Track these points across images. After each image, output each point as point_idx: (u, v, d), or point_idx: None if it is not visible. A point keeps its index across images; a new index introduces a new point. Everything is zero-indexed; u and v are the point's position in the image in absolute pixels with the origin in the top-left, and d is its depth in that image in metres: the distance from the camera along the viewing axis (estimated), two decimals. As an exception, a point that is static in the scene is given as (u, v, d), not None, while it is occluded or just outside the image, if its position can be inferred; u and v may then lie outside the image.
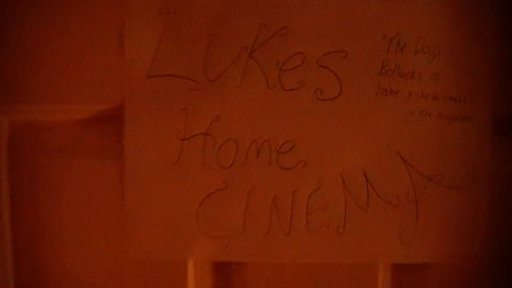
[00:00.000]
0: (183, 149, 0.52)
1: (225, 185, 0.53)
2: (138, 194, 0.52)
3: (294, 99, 0.52)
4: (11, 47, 0.53)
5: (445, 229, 0.54)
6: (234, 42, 0.51)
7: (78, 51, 0.53)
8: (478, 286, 0.57)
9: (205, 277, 0.54)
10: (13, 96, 0.54)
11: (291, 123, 0.52)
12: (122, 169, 0.52)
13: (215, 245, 0.53)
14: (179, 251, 0.53)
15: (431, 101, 0.53)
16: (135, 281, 0.54)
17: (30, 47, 0.53)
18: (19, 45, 0.53)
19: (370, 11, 0.52)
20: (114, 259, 0.54)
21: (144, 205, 0.52)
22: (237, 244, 0.53)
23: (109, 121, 0.53)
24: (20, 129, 0.54)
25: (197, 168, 0.53)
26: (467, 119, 0.54)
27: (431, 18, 0.53)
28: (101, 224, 0.54)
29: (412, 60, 0.52)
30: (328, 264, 0.54)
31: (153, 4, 0.51)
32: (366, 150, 0.53)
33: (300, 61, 0.52)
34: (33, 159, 0.54)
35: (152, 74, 0.51)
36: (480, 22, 0.53)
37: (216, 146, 0.52)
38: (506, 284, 0.56)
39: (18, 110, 0.54)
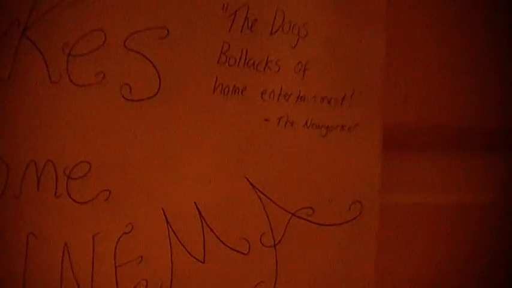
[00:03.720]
0: None
1: (-7, 225, 0.36)
2: None
3: (89, 100, 0.36)
4: None
5: (316, 281, 0.40)
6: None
7: None
8: None
9: None
10: None
11: (84, 135, 0.36)
12: None
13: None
14: None
15: (296, 103, 0.38)
16: None
17: None
18: None
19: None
20: None
21: None
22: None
23: None
24: None
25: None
26: (346, 129, 0.40)
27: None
28: None
29: (267, 44, 0.38)
30: None
31: None
32: (199, 175, 0.37)
33: (99, 42, 0.36)
34: None
35: None
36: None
37: (-21, 169, 0.36)
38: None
39: None
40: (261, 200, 0.38)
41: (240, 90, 0.37)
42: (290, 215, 0.39)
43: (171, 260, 0.38)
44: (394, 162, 0.42)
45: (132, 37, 0.36)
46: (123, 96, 0.36)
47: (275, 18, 0.37)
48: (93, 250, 0.37)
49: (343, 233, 0.40)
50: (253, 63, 0.37)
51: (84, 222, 0.36)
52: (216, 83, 0.37)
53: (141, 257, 0.37)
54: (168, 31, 0.36)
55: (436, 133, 0.42)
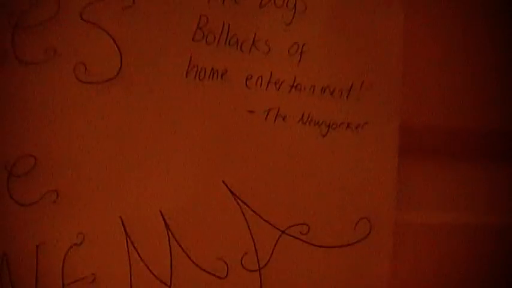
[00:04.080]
0: None
1: None
2: None
3: (37, 80, 0.31)
4: None
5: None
6: None
7: None
8: None
9: None
10: None
11: (30, 123, 0.32)
12: None
13: None
14: None
15: (289, 93, 0.34)
16: None
17: None
18: None
19: None
20: None
21: None
22: None
23: None
24: None
25: None
26: (353, 128, 0.34)
27: None
28: None
29: (255, 19, 0.33)
30: None
31: None
32: (166, 178, 0.33)
33: (50, 12, 0.31)
34: None
35: None
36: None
37: None
38: None
39: None
40: (243, 212, 0.33)
41: (220, 74, 0.33)
42: (279, 232, 0.34)
43: (130, 281, 0.33)
44: (410, 172, 0.35)
45: (90, 7, 0.32)
46: (76, 78, 0.32)
47: (266, -12, 0.33)
48: (37, 263, 0.32)
49: (346, 258, 0.34)
50: (237, 41, 0.33)
51: (27, 228, 0.32)
52: (189, 64, 0.32)
53: (94, 275, 0.32)
54: (133, 0, 0.32)
55: (464, 138, 0.36)
